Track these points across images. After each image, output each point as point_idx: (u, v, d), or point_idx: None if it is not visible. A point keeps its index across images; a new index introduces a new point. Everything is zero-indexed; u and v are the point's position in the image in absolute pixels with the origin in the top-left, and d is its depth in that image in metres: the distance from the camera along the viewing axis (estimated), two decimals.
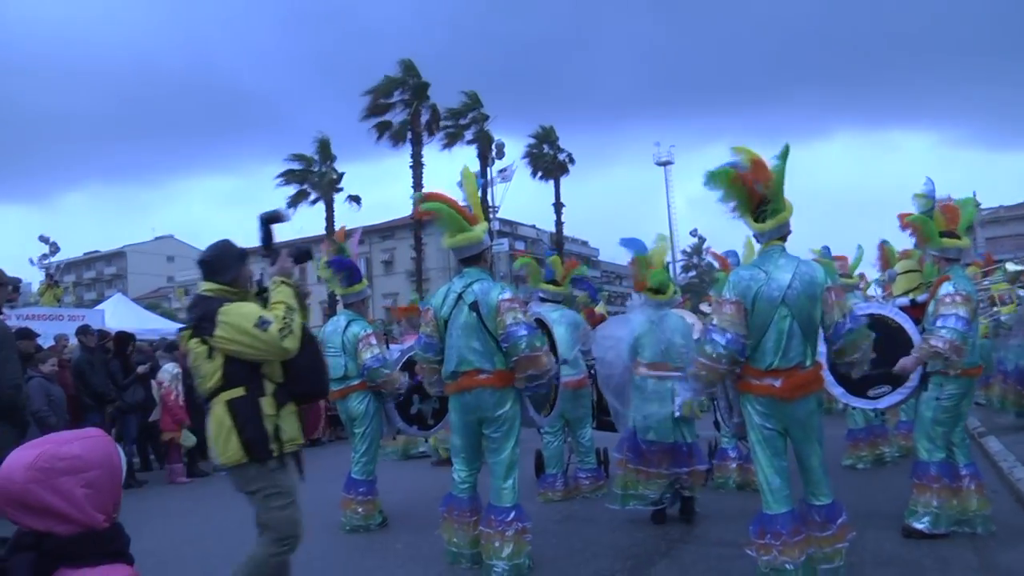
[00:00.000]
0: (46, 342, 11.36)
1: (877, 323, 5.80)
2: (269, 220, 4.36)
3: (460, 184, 5.74)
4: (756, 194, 4.81)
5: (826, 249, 9.08)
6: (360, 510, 7.02)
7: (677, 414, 6.60)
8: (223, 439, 3.97)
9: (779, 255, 4.79)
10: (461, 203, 5.56)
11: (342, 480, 7.33)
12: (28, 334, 8.70)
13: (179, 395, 10.82)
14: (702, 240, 68.23)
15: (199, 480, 10.99)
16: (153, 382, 11.00)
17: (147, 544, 7.19)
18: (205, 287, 4.17)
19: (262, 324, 3.88)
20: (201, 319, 3.99)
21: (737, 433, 5.46)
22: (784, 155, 4.78)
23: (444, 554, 5.78)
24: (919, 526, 5.76)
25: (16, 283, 6.12)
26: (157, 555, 6.80)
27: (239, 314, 3.92)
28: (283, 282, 4.20)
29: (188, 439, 10.85)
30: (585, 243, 72.94)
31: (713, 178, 4.79)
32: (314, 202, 39.50)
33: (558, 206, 45.44)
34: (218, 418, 4.00)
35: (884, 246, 8.96)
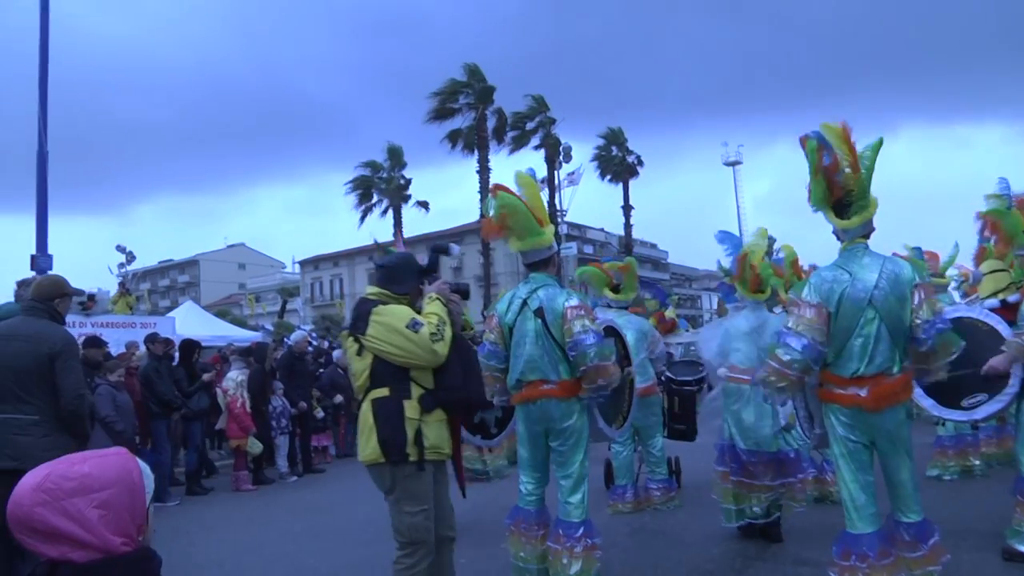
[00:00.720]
0: (119, 349, 11.51)
1: (967, 328, 5.42)
2: (438, 251, 4.71)
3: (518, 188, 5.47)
4: (838, 187, 4.52)
5: (918, 250, 8.66)
6: None
7: (783, 422, 6.26)
8: (364, 436, 4.12)
9: (863, 253, 4.50)
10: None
11: None
12: (97, 342, 8.77)
13: (244, 402, 10.79)
14: (772, 240, 67.03)
15: (264, 488, 10.97)
16: (218, 389, 11.02)
17: (210, 553, 7.21)
18: (370, 291, 4.38)
19: (414, 325, 4.03)
20: (357, 318, 4.19)
21: (818, 444, 5.13)
22: (876, 148, 4.48)
23: (510, 569, 5.54)
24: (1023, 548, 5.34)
25: (80, 292, 6.15)
26: (219, 564, 6.77)
27: (393, 314, 4.09)
28: (437, 298, 4.31)
29: (254, 446, 10.83)
30: (654, 246, 72.32)
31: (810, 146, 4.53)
32: (385, 211, 39.85)
33: (627, 209, 45.01)
34: (363, 415, 4.13)
35: (983, 246, 8.49)
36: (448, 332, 4.16)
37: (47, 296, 5.41)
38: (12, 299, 7.01)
